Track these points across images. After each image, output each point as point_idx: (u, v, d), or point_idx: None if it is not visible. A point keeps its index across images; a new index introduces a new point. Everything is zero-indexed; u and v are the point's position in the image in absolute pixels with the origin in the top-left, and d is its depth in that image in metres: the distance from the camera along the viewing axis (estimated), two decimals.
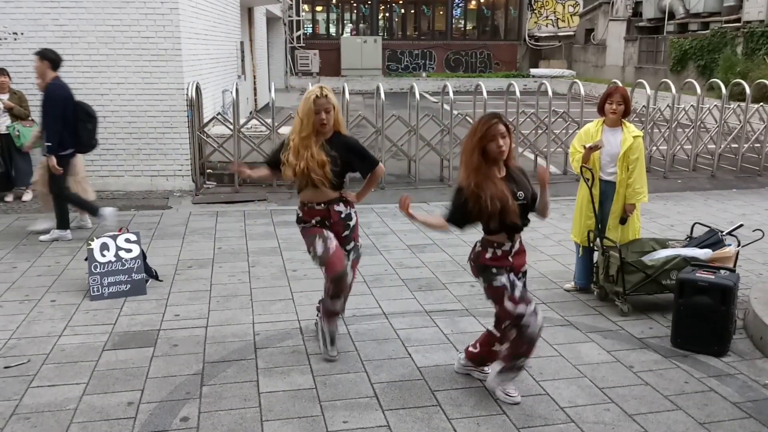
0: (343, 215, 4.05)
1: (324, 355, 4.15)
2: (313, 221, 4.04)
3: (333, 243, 3.97)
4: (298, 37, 26.56)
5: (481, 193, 3.32)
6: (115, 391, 3.72)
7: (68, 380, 3.84)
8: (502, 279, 3.49)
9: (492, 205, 3.31)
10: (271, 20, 21.43)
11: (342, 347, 4.28)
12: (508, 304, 3.49)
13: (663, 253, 4.93)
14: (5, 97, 7.82)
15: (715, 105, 10.98)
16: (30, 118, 7.99)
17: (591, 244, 5.09)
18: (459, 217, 3.47)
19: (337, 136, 3.97)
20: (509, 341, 3.60)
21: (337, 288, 4.01)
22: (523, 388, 3.77)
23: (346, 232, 4.09)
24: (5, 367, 3.98)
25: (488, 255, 3.52)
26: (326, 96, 3.83)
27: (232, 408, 3.55)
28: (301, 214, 4.10)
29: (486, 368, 3.83)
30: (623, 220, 5.07)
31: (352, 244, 4.13)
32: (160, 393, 3.71)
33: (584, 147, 4.88)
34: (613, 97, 4.89)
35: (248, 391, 3.73)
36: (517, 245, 3.55)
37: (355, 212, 4.14)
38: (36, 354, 4.16)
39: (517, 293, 3.48)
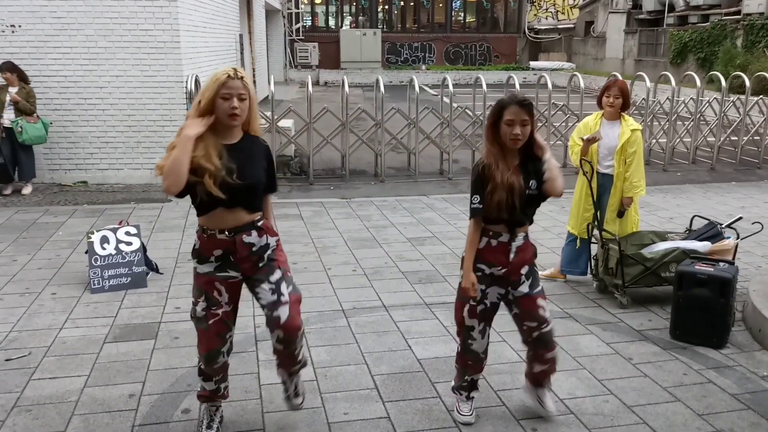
0: (255, 248, 3.00)
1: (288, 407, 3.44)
2: (212, 258, 2.98)
3: (218, 312, 3.03)
4: (298, 30, 26.50)
5: (489, 179, 3.06)
6: (117, 384, 3.73)
7: (69, 372, 3.85)
8: (478, 287, 3.19)
9: (495, 195, 3.04)
10: (270, 13, 21.38)
11: (342, 339, 4.30)
12: (464, 311, 3.25)
13: (662, 246, 4.94)
14: (14, 90, 7.83)
15: (715, 98, 10.98)
16: (35, 114, 7.98)
17: (590, 237, 5.10)
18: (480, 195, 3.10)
19: (250, 138, 3.00)
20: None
21: (207, 368, 3.14)
22: (522, 381, 3.78)
23: (261, 263, 3.04)
24: (6, 360, 3.99)
25: (481, 245, 3.17)
26: (242, 78, 2.88)
27: (233, 400, 3.55)
28: (198, 245, 3.02)
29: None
30: (620, 214, 5.07)
31: (277, 274, 3.04)
32: (161, 385, 3.72)
33: (582, 139, 4.89)
34: (611, 90, 4.88)
35: (249, 383, 3.74)
36: (520, 240, 3.17)
37: (276, 240, 3.10)
38: (37, 346, 4.17)
39: (480, 309, 3.21)
